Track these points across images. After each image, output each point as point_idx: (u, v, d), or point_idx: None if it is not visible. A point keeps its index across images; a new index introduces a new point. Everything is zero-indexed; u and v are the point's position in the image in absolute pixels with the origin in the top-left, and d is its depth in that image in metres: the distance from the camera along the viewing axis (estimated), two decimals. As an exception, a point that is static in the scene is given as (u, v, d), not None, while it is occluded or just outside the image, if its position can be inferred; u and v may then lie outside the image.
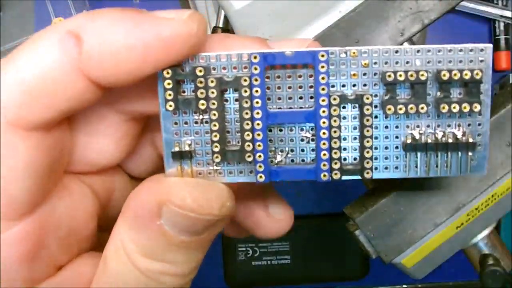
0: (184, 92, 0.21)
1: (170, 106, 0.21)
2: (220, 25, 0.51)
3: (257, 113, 0.21)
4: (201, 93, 0.21)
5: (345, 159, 0.22)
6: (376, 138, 0.21)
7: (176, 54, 0.20)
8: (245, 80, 0.20)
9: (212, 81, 0.20)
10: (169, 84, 0.20)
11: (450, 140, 0.21)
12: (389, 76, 0.20)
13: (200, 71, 0.20)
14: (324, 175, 0.21)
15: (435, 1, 0.27)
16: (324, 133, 0.21)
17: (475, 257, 0.34)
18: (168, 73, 0.20)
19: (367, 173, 0.21)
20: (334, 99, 0.21)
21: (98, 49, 0.19)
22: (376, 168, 0.22)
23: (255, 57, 0.20)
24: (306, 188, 0.58)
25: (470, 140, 0.21)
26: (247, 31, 0.28)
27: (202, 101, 0.21)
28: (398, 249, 0.31)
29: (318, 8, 0.28)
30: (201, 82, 0.21)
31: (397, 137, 0.21)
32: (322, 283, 0.59)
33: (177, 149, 0.21)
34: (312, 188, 0.58)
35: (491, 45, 0.21)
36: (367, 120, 0.21)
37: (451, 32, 0.54)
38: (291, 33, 0.28)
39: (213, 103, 0.21)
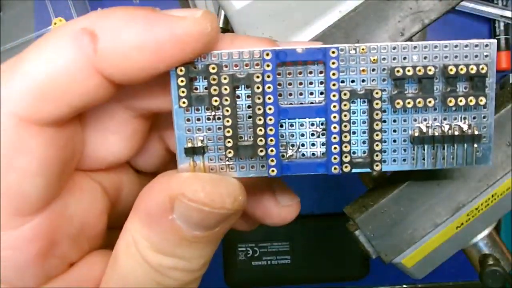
0: (196, 89, 0.21)
1: (184, 103, 0.21)
2: (220, 25, 0.51)
3: (269, 108, 0.21)
4: (214, 89, 0.21)
5: (354, 152, 0.22)
6: (384, 131, 0.22)
7: (190, 52, 0.20)
8: (258, 77, 0.21)
9: (225, 78, 0.21)
10: (182, 81, 0.21)
11: (456, 133, 0.22)
12: (398, 71, 0.21)
13: (213, 68, 0.21)
14: (335, 168, 0.22)
15: (435, 1, 0.27)
16: (334, 127, 0.21)
17: (475, 257, 0.34)
18: (181, 70, 0.21)
19: (376, 165, 0.22)
20: (345, 94, 0.21)
21: (113, 46, 0.19)
22: (384, 161, 0.22)
23: (267, 54, 0.21)
24: (307, 188, 0.58)
25: (476, 132, 0.22)
26: (247, 31, 0.28)
27: (215, 98, 0.21)
28: (398, 249, 0.31)
29: (318, 8, 0.28)
30: (214, 79, 0.21)
31: (405, 131, 0.22)
32: (322, 283, 0.58)
33: (189, 145, 0.22)
34: (312, 188, 0.58)
35: (495, 41, 0.21)
36: (377, 114, 0.21)
37: (451, 32, 0.54)
38: (291, 33, 0.28)
39: (226, 100, 0.21)
